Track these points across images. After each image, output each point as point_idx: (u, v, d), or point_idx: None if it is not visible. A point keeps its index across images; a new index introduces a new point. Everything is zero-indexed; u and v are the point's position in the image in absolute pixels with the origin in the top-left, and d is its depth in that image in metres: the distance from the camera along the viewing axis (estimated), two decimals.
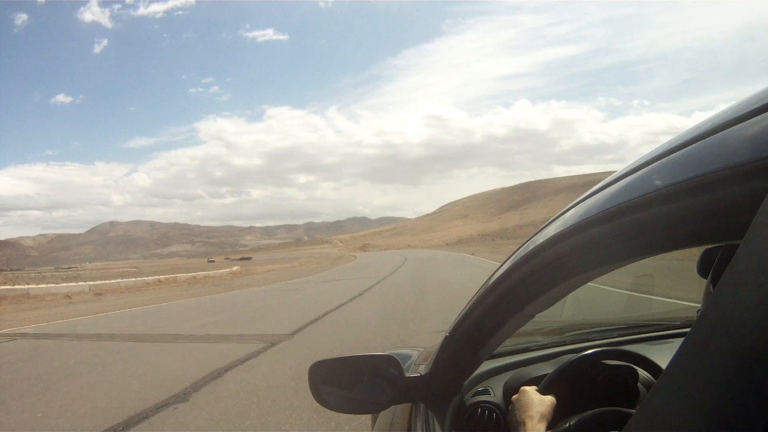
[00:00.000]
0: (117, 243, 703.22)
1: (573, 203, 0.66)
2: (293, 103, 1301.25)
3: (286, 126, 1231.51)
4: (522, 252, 0.76)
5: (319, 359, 1.14)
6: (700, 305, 0.74)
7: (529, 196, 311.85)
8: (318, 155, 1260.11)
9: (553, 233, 0.66)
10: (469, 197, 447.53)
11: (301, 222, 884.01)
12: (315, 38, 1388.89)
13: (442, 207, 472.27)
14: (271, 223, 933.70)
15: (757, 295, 0.31)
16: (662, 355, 1.16)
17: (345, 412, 1.17)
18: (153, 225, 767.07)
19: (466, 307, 0.97)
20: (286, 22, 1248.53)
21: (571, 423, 0.92)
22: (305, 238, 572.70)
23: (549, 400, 0.96)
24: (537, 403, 0.95)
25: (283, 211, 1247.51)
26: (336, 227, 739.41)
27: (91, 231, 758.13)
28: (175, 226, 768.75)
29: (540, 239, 0.70)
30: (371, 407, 1.21)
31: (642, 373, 1.10)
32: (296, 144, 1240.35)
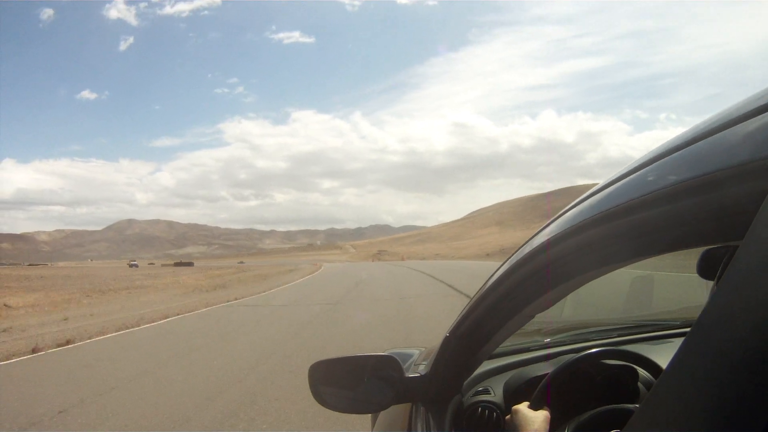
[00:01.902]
0: (132, 241, 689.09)
1: (573, 204, 0.66)
2: (318, 106, 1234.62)
3: (311, 130, 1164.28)
4: (522, 252, 0.76)
5: (319, 360, 1.14)
6: (701, 305, 0.65)
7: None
8: (342, 160, 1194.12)
9: (553, 234, 0.65)
10: (499, 204, 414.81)
11: (323, 228, 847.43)
12: (341, 42, 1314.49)
13: (470, 214, 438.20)
14: (293, 227, 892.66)
15: (758, 295, 0.31)
16: (662, 354, 1.16)
17: (345, 412, 1.16)
18: (171, 225, 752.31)
19: (466, 308, 0.97)
20: (312, 24, 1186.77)
21: (571, 425, 0.92)
22: (318, 243, 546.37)
23: (542, 415, 0.95)
24: (531, 420, 0.94)
25: (306, 216, 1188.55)
26: (358, 234, 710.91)
27: (108, 228, 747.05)
28: (194, 226, 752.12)
29: (540, 240, 0.69)
30: (371, 407, 1.21)
31: (642, 372, 1.10)
32: (321, 148, 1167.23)
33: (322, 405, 1.12)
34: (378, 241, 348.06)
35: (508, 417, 1.00)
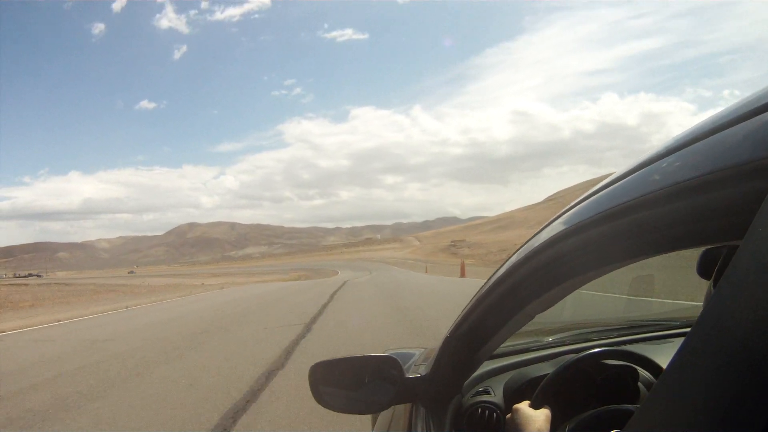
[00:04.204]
0: (191, 245, 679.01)
1: (573, 203, 0.65)
2: (377, 102, 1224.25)
3: (371, 126, 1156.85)
4: (523, 252, 0.75)
5: (320, 360, 1.13)
6: (701, 305, 0.71)
7: None
8: (404, 155, 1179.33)
9: (553, 233, 0.65)
10: (587, 182, 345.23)
11: (389, 223, 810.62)
12: (395, 37, 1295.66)
13: (553, 195, 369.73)
14: (358, 224, 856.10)
15: (758, 295, 0.31)
16: (663, 354, 1.16)
17: (346, 412, 1.17)
18: (233, 226, 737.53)
19: (467, 308, 0.96)
20: (364, 20, 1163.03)
21: (571, 425, 0.92)
22: (378, 236, 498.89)
23: (543, 414, 0.94)
24: (532, 419, 0.93)
25: (372, 213, 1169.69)
26: (425, 227, 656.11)
27: (169, 233, 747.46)
28: (256, 227, 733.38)
29: (541, 239, 0.69)
30: (372, 407, 1.21)
31: (642, 372, 1.09)
32: (382, 144, 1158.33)
33: (323, 405, 1.12)
34: (448, 231, 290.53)
35: (508, 416, 0.99)
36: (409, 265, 70.44)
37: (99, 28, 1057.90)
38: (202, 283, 38.51)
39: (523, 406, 0.97)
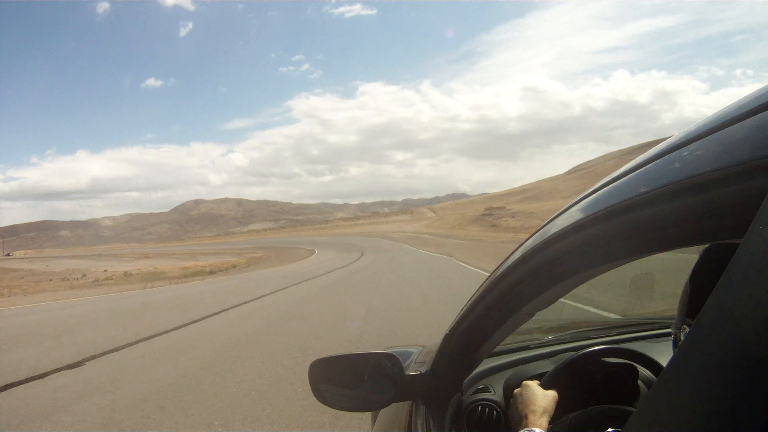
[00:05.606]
0: (195, 221, 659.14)
1: (573, 201, 0.65)
2: (386, 78, 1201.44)
3: (380, 102, 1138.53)
4: (523, 250, 0.75)
5: (319, 358, 1.13)
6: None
7: None
8: (414, 131, 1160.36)
9: (553, 231, 0.65)
10: (613, 152, 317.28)
11: (398, 198, 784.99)
12: (404, 13, 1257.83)
13: (577, 166, 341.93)
14: (367, 200, 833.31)
15: (758, 294, 0.31)
16: (663, 353, 1.15)
17: (345, 410, 1.17)
18: (240, 202, 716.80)
19: (467, 305, 0.96)
20: None
21: (572, 418, 0.92)
22: (386, 210, 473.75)
23: (551, 394, 0.95)
24: (540, 397, 0.93)
25: (381, 189, 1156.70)
26: (435, 203, 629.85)
27: (174, 210, 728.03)
28: (263, 203, 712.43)
29: (541, 237, 0.69)
30: (372, 405, 1.22)
31: (642, 371, 1.10)
32: (391, 120, 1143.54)
33: (323, 403, 1.11)
34: (465, 203, 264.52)
35: (517, 390, 0.99)
36: (434, 242, 43.61)
37: (104, 6, 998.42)
38: (83, 275, 31.09)
39: (534, 384, 0.98)
